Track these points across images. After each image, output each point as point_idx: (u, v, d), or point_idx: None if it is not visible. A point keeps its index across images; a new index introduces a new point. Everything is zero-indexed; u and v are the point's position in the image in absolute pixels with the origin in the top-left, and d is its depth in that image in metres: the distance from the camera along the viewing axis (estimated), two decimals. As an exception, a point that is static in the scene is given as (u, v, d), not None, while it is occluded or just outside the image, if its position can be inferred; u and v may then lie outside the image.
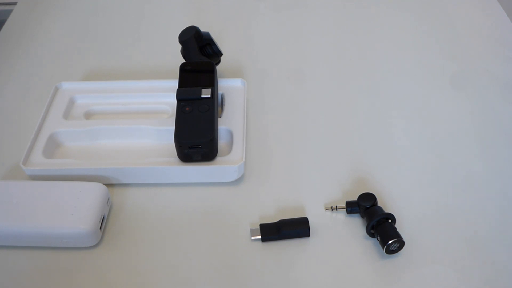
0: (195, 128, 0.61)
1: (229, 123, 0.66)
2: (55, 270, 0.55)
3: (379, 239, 0.55)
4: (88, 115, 0.70)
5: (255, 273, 0.54)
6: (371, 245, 0.56)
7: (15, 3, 0.95)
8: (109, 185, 0.62)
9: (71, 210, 0.56)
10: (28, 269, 0.55)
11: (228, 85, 0.72)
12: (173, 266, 0.55)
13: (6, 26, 0.89)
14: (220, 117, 0.67)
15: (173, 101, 0.67)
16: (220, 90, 0.71)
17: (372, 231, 0.56)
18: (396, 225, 0.56)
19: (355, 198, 0.59)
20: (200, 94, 0.65)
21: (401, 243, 0.55)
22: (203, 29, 0.73)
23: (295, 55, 0.81)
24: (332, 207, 0.59)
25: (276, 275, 0.54)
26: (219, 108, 0.70)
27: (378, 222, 0.56)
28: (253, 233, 0.57)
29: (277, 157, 0.66)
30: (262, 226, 0.58)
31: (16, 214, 0.56)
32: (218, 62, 0.74)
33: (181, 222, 0.59)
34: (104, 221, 0.58)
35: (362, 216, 0.58)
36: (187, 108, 0.63)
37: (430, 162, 0.65)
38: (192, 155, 0.61)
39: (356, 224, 0.58)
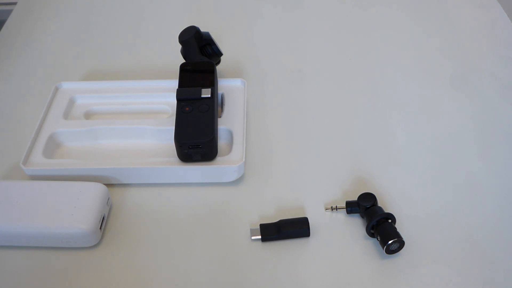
0: (195, 128, 0.61)
1: (229, 123, 0.66)
2: (55, 270, 0.55)
3: (379, 239, 0.55)
4: (88, 115, 0.70)
5: (255, 273, 0.54)
6: (371, 245, 0.56)
7: (15, 3, 0.95)
8: (109, 185, 0.62)
9: (71, 210, 0.56)
10: (28, 269, 0.55)
11: (228, 85, 0.72)
12: (173, 266, 0.55)
13: (6, 26, 0.89)
14: (220, 117, 0.67)
15: (173, 101, 0.67)
16: (220, 90, 0.71)
17: (372, 231, 0.56)
18: (396, 225, 0.56)
19: (355, 198, 0.59)
20: (200, 94, 0.65)
21: (401, 243, 0.55)
22: (203, 29, 0.73)
23: (295, 55, 0.81)
24: (332, 207, 0.59)
25: (276, 275, 0.54)
26: (219, 108, 0.70)
27: (378, 222, 0.56)
28: (253, 233, 0.57)
29: (277, 157, 0.66)
30: (262, 226, 0.58)
31: (16, 214, 0.56)
32: (218, 62, 0.74)
33: (181, 222, 0.59)
34: (104, 221, 0.58)
35: (362, 216, 0.58)
36: (187, 108, 0.63)
37: (430, 162, 0.65)
38: (192, 155, 0.61)
39: (356, 224, 0.58)
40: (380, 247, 0.55)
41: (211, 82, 0.67)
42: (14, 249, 0.57)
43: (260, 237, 0.57)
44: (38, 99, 0.74)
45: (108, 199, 0.59)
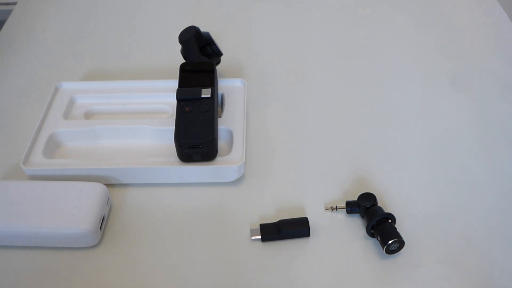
0: (195, 128, 0.61)
1: (229, 123, 0.66)
2: (55, 270, 0.55)
3: (379, 239, 0.55)
4: (88, 115, 0.70)
5: (255, 273, 0.54)
6: (371, 245, 0.56)
7: (15, 3, 0.95)
8: (109, 185, 0.62)
9: (71, 210, 0.56)
10: (28, 269, 0.55)
11: (228, 85, 0.72)
12: (173, 266, 0.55)
13: (6, 26, 0.89)
14: (220, 117, 0.67)
15: (173, 101, 0.67)
16: (220, 90, 0.71)
17: (372, 231, 0.56)
18: (396, 225, 0.56)
19: (355, 198, 0.59)
20: (200, 94, 0.65)
21: (401, 243, 0.55)
22: (203, 29, 0.73)
23: (295, 55, 0.81)
24: (332, 207, 0.59)
25: (276, 275, 0.54)
26: (219, 108, 0.70)
27: (378, 222, 0.56)
28: (253, 233, 0.57)
29: (277, 157, 0.66)
30: (262, 226, 0.58)
31: (16, 214, 0.56)
32: (218, 62, 0.74)
33: (181, 222, 0.59)
34: (104, 221, 0.58)
35: (362, 216, 0.58)
36: (187, 108, 0.63)
37: (430, 162, 0.65)
38: (192, 155, 0.61)
39: (356, 224, 0.58)
40: (380, 247, 0.55)
41: (211, 82, 0.67)
42: (14, 249, 0.57)
43: (260, 237, 0.57)
44: (38, 99, 0.74)
45: (108, 199, 0.59)
